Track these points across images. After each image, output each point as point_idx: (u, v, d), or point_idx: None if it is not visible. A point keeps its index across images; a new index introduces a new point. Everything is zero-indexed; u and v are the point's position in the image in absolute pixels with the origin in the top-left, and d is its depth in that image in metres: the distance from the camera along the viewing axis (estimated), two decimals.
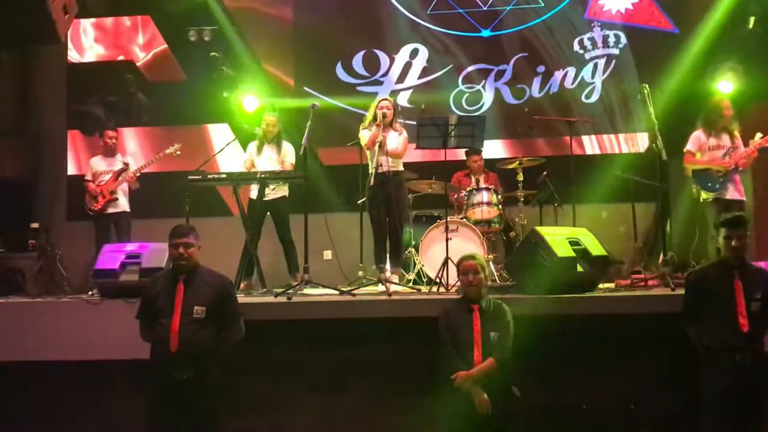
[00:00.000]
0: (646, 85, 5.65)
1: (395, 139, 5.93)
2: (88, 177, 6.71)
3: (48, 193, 8.24)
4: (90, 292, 5.73)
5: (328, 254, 6.98)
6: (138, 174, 6.63)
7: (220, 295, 3.95)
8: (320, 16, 8.10)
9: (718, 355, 3.74)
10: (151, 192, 6.81)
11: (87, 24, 8.40)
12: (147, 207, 6.81)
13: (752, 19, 6.96)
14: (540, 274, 4.77)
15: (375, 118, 5.87)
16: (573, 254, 4.85)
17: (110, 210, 6.56)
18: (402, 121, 6.20)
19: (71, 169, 8.33)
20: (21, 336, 5.15)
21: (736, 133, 5.87)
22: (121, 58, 8.42)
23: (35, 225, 7.33)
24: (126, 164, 6.66)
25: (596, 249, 5.09)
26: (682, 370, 4.21)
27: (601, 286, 5.23)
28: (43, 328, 5.18)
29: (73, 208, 7.82)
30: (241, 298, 5.51)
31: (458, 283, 4.81)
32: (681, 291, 4.51)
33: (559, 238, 4.94)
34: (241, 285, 6.14)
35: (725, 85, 6.98)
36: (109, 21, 8.46)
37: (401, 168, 6.07)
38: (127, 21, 8.45)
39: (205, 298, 3.88)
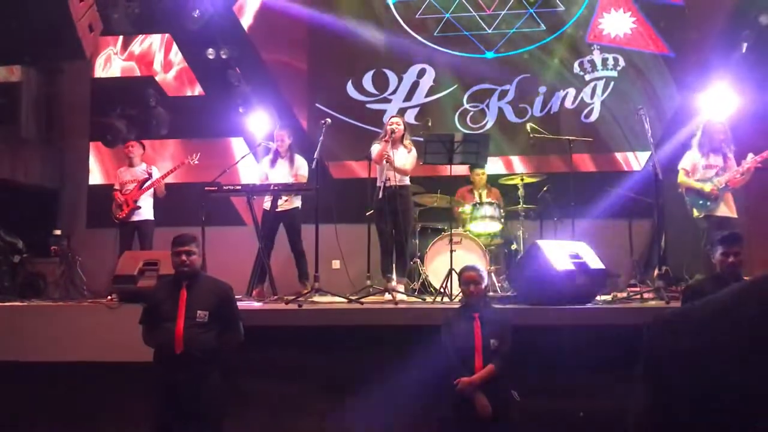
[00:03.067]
0: (643, 108, 5.88)
1: (404, 156, 6.13)
2: (116, 187, 6.92)
3: (70, 201, 8.43)
4: (109, 297, 5.89)
5: (336, 264, 7.08)
6: (163, 181, 6.81)
7: (222, 300, 4.06)
8: (333, 37, 8.29)
9: None
10: (170, 201, 6.96)
11: (111, 41, 8.63)
12: (166, 215, 6.94)
13: (744, 45, 7.19)
14: (541, 285, 4.90)
15: (385, 134, 6.07)
16: (572, 267, 4.99)
17: (134, 218, 6.74)
18: (410, 137, 6.37)
19: (93, 179, 8.52)
20: (43, 338, 5.30)
21: (730, 154, 5.97)
22: (142, 73, 8.64)
23: (57, 231, 7.49)
24: (150, 174, 6.85)
25: (594, 262, 5.22)
26: None
27: (598, 298, 5.33)
28: (64, 330, 5.32)
29: (93, 215, 8.04)
30: (254, 305, 5.76)
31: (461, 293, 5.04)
32: (675, 303, 4.67)
33: (559, 251, 5.08)
34: (254, 292, 6.31)
35: (715, 99, 7.12)
36: (131, 38, 8.69)
37: (408, 182, 6.24)
38: (149, 39, 8.69)
39: (208, 302, 3.98)
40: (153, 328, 4.03)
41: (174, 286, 4.06)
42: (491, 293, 5.69)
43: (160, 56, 8.68)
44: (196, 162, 6.94)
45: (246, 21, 8.55)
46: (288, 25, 8.46)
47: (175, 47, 8.63)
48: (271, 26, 8.53)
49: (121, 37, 8.70)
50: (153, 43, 8.70)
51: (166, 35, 8.65)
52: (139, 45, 8.70)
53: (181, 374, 3.87)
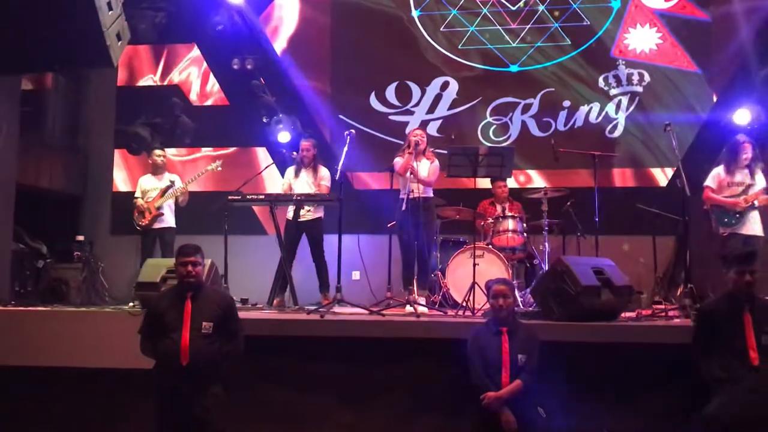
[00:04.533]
0: (669, 123, 5.83)
1: (426, 168, 6.13)
2: (137, 194, 6.94)
3: (94, 207, 8.51)
4: (131, 303, 5.94)
5: (356, 275, 7.09)
6: (186, 189, 6.85)
7: (225, 311, 4.06)
8: (357, 49, 8.37)
9: (729, 388, 3.72)
10: (193, 210, 6.99)
11: (138, 49, 8.71)
12: (189, 224, 6.97)
13: None
14: (565, 301, 4.85)
15: (408, 146, 6.07)
16: (597, 283, 4.92)
17: (156, 225, 6.78)
18: (433, 150, 6.39)
19: (117, 186, 8.59)
20: (65, 343, 5.31)
21: (758, 171, 5.91)
22: (167, 82, 8.73)
23: (81, 237, 7.57)
24: (172, 182, 6.88)
25: (619, 279, 5.15)
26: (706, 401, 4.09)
27: (623, 315, 5.28)
28: (87, 336, 5.33)
29: (117, 222, 8.11)
30: (274, 314, 5.77)
31: (485, 307, 5.01)
32: None
33: (583, 267, 5.02)
34: (275, 301, 6.36)
35: (742, 116, 7.09)
36: (172, 66, 8.78)
37: (431, 194, 6.24)
38: (188, 69, 8.75)
39: (212, 314, 3.99)
40: (154, 339, 4.03)
41: (178, 296, 4.06)
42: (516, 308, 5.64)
43: (197, 86, 8.74)
44: (219, 169, 6.97)
45: (279, 45, 8.62)
46: (312, 36, 8.56)
47: (212, 78, 8.68)
48: (296, 38, 8.62)
49: (161, 65, 8.78)
50: (191, 73, 8.74)
51: (191, 45, 8.72)
52: (178, 74, 8.76)
53: (185, 385, 3.87)
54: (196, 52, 8.75)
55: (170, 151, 8.10)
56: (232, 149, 8.50)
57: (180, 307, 3.98)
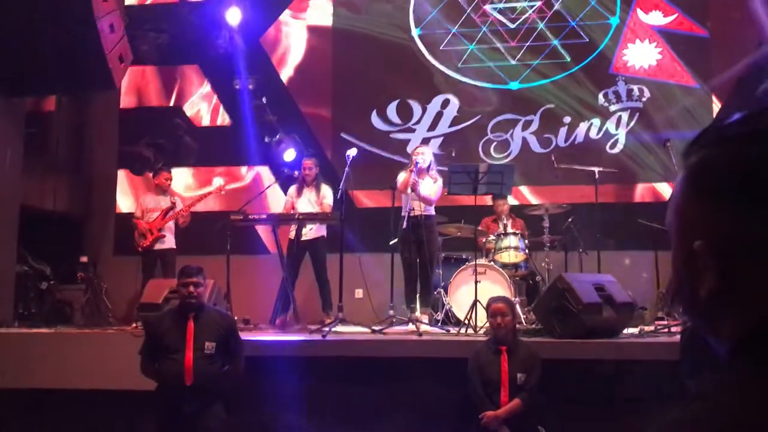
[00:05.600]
0: (669, 138, 5.86)
1: (429, 186, 6.16)
2: (137, 214, 6.92)
3: (97, 228, 8.51)
4: (134, 325, 5.94)
5: (359, 293, 7.10)
6: (188, 211, 6.84)
7: (227, 331, 4.11)
8: (358, 68, 8.42)
9: None
10: (195, 230, 6.98)
11: (140, 71, 8.75)
12: (192, 244, 6.97)
13: None
14: (567, 318, 4.85)
15: (411, 164, 6.07)
16: (599, 300, 4.93)
17: (157, 246, 6.76)
18: (437, 168, 6.40)
19: (120, 207, 8.60)
20: (69, 365, 5.33)
21: None
22: (170, 103, 8.76)
23: (84, 258, 7.54)
24: (173, 203, 6.87)
25: (621, 295, 5.16)
26: None
27: (625, 331, 5.27)
28: (90, 357, 5.35)
29: (120, 243, 8.09)
30: (276, 334, 5.78)
31: (487, 325, 5.00)
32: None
33: (585, 283, 5.03)
34: (277, 321, 6.38)
35: None
36: (160, 69, 8.82)
37: (433, 212, 6.25)
38: (198, 103, 8.77)
39: (215, 334, 4.02)
40: (155, 360, 4.05)
41: (180, 317, 4.09)
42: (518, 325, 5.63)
43: (207, 119, 8.77)
44: (224, 192, 7.01)
45: (286, 73, 8.66)
46: (314, 55, 8.62)
47: (222, 110, 8.70)
48: (297, 58, 8.67)
49: (173, 97, 8.81)
50: (202, 108, 8.76)
51: (194, 66, 8.78)
52: (190, 108, 8.78)
53: (188, 406, 3.89)
54: (207, 87, 8.78)
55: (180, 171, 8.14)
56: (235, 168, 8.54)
57: (182, 327, 4.00)
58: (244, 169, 8.50)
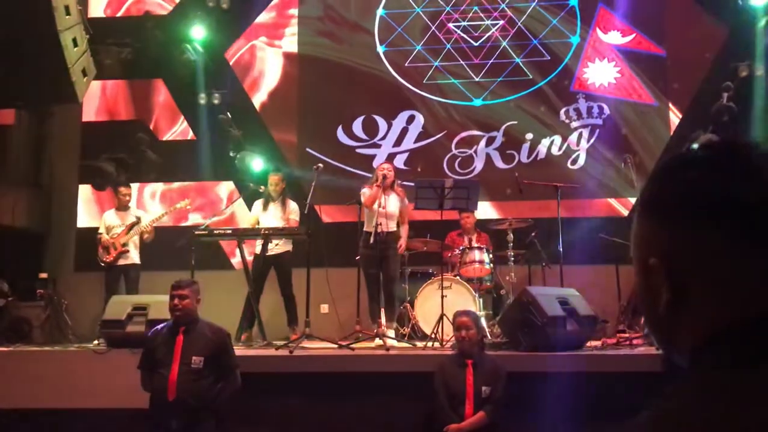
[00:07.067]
0: (628, 155, 6.00)
1: (395, 202, 6.21)
2: (101, 230, 6.83)
3: (57, 244, 8.35)
4: (96, 342, 5.87)
5: (325, 308, 7.11)
6: (152, 226, 6.78)
7: (218, 346, 4.04)
8: (324, 84, 8.45)
9: None
10: (159, 245, 6.92)
11: (103, 85, 8.64)
12: (155, 259, 6.91)
13: (725, 96, 7.41)
14: (532, 331, 4.91)
15: (377, 180, 6.13)
16: (562, 313, 5.01)
17: (121, 262, 6.68)
18: (401, 182, 6.47)
19: (81, 222, 8.44)
20: (28, 384, 5.22)
21: None
22: (133, 117, 8.64)
23: (44, 275, 7.41)
24: (138, 218, 6.80)
25: (584, 309, 5.26)
26: None
27: (588, 344, 5.36)
28: (51, 376, 5.25)
29: (81, 259, 7.96)
30: (242, 350, 5.71)
31: (453, 339, 5.04)
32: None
33: (548, 297, 5.10)
34: (242, 337, 6.32)
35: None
36: (123, 83, 8.71)
37: (395, 228, 6.27)
38: (140, 84, 8.73)
39: (204, 348, 3.95)
40: (150, 374, 4.02)
41: (172, 331, 4.06)
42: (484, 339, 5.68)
43: (170, 133, 8.66)
44: (189, 207, 6.96)
45: (259, 98, 8.65)
46: (280, 70, 8.64)
47: (185, 124, 8.61)
48: (263, 73, 8.67)
49: (136, 111, 8.70)
50: (165, 122, 8.66)
51: (158, 80, 8.70)
52: (153, 122, 8.66)
53: (174, 421, 3.83)
54: (170, 102, 8.69)
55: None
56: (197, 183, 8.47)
57: (171, 341, 3.98)
58: (208, 184, 8.44)
